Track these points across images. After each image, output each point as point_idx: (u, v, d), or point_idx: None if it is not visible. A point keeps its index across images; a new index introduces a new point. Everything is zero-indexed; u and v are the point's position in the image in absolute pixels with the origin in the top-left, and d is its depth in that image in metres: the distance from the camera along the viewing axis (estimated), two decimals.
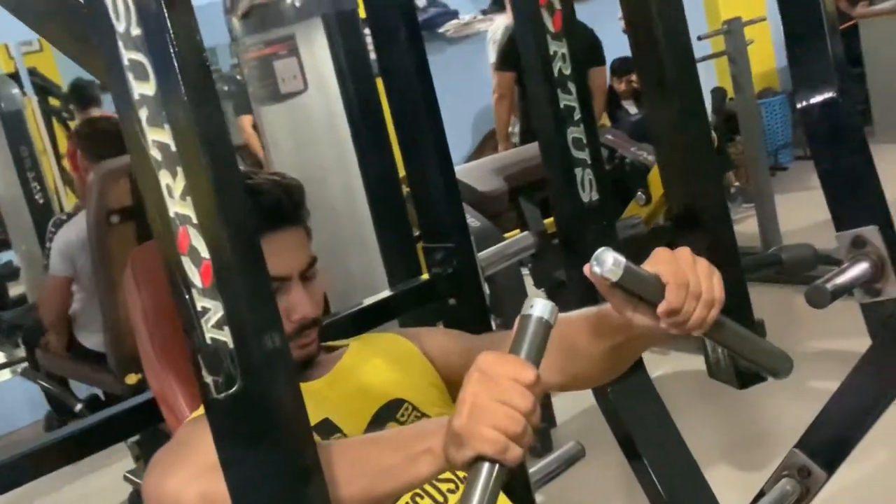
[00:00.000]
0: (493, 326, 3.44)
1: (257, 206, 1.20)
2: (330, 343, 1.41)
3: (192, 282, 0.88)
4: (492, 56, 5.45)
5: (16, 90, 5.24)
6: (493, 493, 0.86)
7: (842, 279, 1.81)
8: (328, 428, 1.22)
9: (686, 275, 1.00)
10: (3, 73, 5.40)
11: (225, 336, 0.87)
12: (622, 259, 0.98)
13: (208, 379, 0.89)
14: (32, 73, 5.53)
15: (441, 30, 6.30)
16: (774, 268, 3.61)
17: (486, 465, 0.86)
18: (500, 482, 0.86)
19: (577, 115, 1.52)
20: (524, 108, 4.96)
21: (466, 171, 3.80)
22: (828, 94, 1.82)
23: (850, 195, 1.84)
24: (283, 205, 1.25)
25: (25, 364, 4.16)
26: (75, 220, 3.35)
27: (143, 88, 0.86)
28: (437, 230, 1.77)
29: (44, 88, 5.61)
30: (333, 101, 2.90)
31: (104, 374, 3.37)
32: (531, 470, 1.91)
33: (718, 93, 5.84)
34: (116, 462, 3.48)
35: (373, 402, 1.28)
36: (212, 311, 0.88)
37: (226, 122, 0.89)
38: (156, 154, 0.87)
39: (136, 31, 0.84)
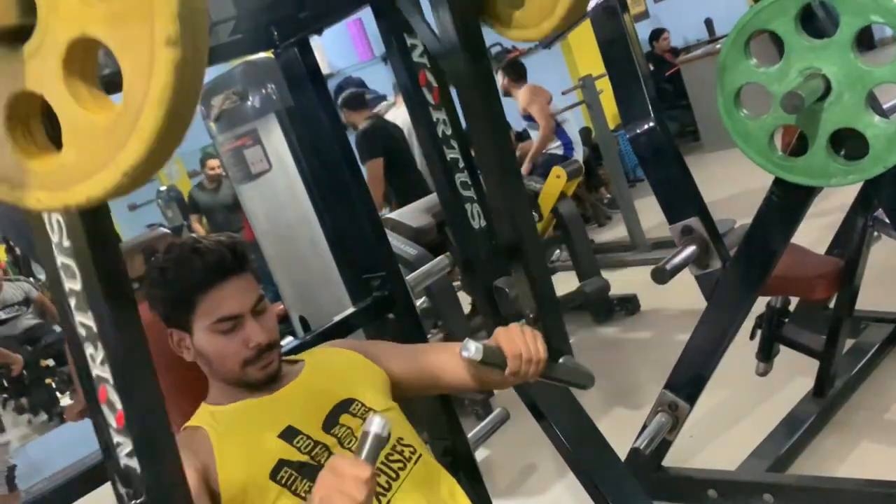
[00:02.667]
0: (435, 328, 3.44)
1: (205, 264, 1.17)
2: (290, 358, 1.36)
3: (109, 423, 0.88)
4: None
5: None
6: None
7: (677, 259, 1.82)
8: (292, 432, 1.18)
9: (518, 347, 1.17)
10: None
11: (133, 463, 0.88)
12: (480, 345, 1.14)
13: (122, 490, 0.90)
14: None
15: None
16: (579, 301, 3.58)
17: None
18: None
19: (461, 164, 1.51)
20: (397, 184, 4.28)
21: (404, 214, 3.74)
22: (647, 125, 1.83)
23: (675, 196, 1.86)
24: (226, 259, 1.19)
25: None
26: None
27: (71, 284, 0.85)
28: (372, 263, 1.74)
29: None
30: (292, 175, 2.85)
31: None
32: (470, 434, 1.88)
33: (585, 131, 5.91)
34: None
35: (327, 403, 1.24)
36: (123, 444, 0.88)
37: (138, 316, 0.85)
38: (81, 331, 0.86)
39: (66, 242, 0.83)
